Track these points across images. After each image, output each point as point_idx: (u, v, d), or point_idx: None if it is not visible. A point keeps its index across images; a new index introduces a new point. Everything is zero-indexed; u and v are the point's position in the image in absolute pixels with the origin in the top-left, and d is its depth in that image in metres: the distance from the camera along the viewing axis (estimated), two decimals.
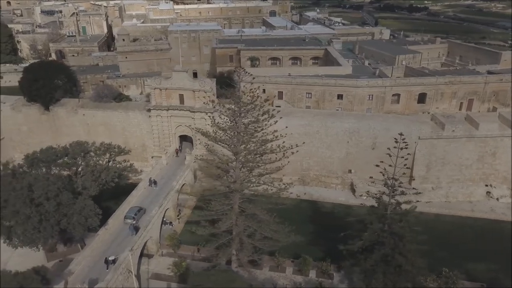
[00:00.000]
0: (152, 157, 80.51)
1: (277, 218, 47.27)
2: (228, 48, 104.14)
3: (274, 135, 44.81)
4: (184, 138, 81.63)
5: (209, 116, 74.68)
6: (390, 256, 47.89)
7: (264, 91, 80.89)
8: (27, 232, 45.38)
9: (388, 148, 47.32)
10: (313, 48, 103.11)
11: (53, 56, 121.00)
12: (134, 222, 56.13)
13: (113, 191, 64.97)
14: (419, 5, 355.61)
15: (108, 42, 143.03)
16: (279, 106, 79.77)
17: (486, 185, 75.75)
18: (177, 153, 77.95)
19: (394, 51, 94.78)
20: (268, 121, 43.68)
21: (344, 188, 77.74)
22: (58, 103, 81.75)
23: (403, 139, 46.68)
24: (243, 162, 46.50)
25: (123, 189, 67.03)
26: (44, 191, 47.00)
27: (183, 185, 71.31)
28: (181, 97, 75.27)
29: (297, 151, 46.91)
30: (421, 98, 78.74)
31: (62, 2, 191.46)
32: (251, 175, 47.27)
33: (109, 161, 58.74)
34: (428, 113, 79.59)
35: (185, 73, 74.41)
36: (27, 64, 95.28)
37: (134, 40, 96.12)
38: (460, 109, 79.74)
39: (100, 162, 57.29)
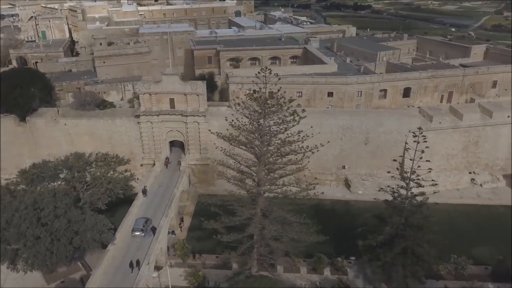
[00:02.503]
0: (141, 165, 77.35)
1: (306, 218, 46.85)
2: (206, 49, 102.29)
3: (299, 135, 44.36)
4: (171, 143, 79.28)
5: (203, 120, 73.53)
6: (410, 248, 49.18)
7: (254, 91, 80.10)
8: (39, 254, 41.82)
9: (406, 143, 48.41)
10: (292, 47, 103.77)
11: (14, 63, 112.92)
12: (143, 234, 53.79)
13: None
14: (363, 3, 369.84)
15: (71, 47, 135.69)
16: None
17: (470, 173, 79.90)
18: (166, 165, 74.01)
19: (375, 48, 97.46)
20: (296, 122, 43.18)
21: (338, 184, 78.90)
22: (35, 113, 76.37)
23: (421, 133, 47.78)
24: (266, 164, 45.72)
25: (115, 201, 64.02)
26: (52, 209, 43.66)
27: (182, 191, 69.27)
28: (172, 102, 72.96)
29: (318, 151, 46.75)
30: (406, 93, 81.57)
31: (9, 6, 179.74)
32: (274, 177, 46.58)
33: (112, 172, 55.57)
34: (413, 106, 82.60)
35: (176, 77, 72.29)
36: None
37: (109, 44, 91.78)
38: (441, 101, 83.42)
39: (106, 173, 53.99)
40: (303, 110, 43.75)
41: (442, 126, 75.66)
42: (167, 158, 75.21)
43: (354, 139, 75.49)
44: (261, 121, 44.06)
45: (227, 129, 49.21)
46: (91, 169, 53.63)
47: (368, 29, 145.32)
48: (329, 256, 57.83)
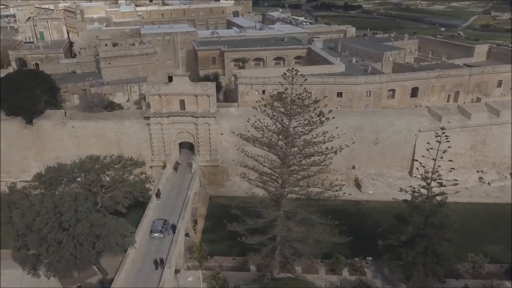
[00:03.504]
0: (150, 167, 76.55)
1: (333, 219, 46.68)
2: (210, 50, 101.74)
3: (324, 136, 44.20)
4: (179, 145, 78.59)
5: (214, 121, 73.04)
6: (431, 247, 49.37)
7: (263, 92, 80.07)
8: (62, 260, 41.00)
9: (428, 143, 48.67)
10: (296, 47, 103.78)
11: (13, 65, 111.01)
12: (162, 235, 53.43)
13: None
14: (353, 3, 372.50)
15: (69, 48, 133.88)
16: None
17: (478, 171, 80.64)
18: (176, 169, 72.98)
19: (380, 48, 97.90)
20: (323, 123, 43.00)
21: (348, 184, 78.78)
22: (42, 116, 75.16)
23: (444, 132, 47.94)
24: (290, 166, 45.49)
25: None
26: (74, 213, 42.88)
27: (194, 193, 68.69)
28: (182, 103, 72.37)
29: (340, 151, 46.64)
30: (414, 92, 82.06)
31: (2, 6, 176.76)
32: (297, 178, 46.39)
33: (127, 175, 54.79)
34: (420, 106, 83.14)
35: (186, 78, 71.63)
36: None
37: (113, 45, 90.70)
38: (448, 101, 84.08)
39: (124, 176, 53.22)
40: (330, 111, 43.48)
41: (451, 125, 76.19)
42: (176, 162, 74.37)
43: (364, 139, 75.64)
44: (286, 122, 43.79)
45: (248, 130, 48.89)
46: (109, 172, 52.72)
47: (368, 29, 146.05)
48: (346, 256, 57.82)
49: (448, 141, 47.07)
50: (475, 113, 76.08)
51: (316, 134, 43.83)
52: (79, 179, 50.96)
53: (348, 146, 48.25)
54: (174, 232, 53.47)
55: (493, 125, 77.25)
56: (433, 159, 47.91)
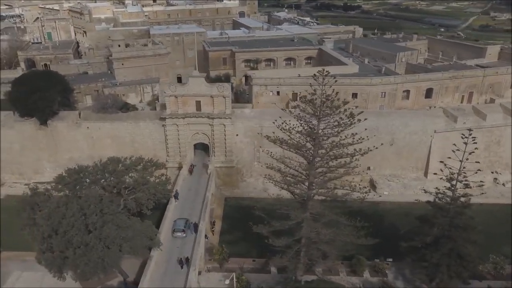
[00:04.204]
0: (166, 169, 76.21)
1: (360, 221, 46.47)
2: (221, 50, 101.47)
3: (353, 138, 44.03)
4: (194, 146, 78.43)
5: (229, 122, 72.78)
6: (456, 248, 49.26)
7: (278, 93, 79.87)
8: (90, 262, 40.74)
9: (454, 144, 48.61)
10: (307, 48, 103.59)
11: (22, 66, 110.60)
12: (185, 234, 53.49)
13: None
14: (352, 4, 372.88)
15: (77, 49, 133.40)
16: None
17: (492, 172, 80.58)
18: (191, 172, 72.48)
19: (393, 49, 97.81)
20: (353, 125, 42.84)
21: (363, 185, 78.54)
22: (56, 117, 74.86)
23: (470, 134, 47.85)
24: (317, 168, 45.33)
25: None
26: (100, 215, 42.62)
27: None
28: (198, 104, 72.13)
29: (367, 153, 46.56)
30: (428, 93, 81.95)
31: (6, 7, 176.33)
32: (324, 180, 46.24)
33: (150, 176, 54.55)
34: (434, 107, 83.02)
35: (202, 79, 71.39)
36: None
37: (126, 45, 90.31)
38: (461, 101, 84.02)
39: (147, 178, 52.96)
40: (361, 112, 43.31)
41: (466, 126, 76.06)
42: (191, 165, 73.95)
43: (380, 140, 75.32)
44: (315, 123, 43.62)
45: (273, 132, 48.70)
46: (131, 174, 52.42)
47: (376, 30, 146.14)
48: (365, 258, 57.68)
49: (475, 142, 46.92)
50: (490, 114, 76.04)
51: (345, 136, 43.64)
52: (102, 180, 50.60)
53: (376, 148, 48.17)
54: (196, 231, 53.43)
55: (507, 126, 77.21)
56: (460, 160, 47.74)
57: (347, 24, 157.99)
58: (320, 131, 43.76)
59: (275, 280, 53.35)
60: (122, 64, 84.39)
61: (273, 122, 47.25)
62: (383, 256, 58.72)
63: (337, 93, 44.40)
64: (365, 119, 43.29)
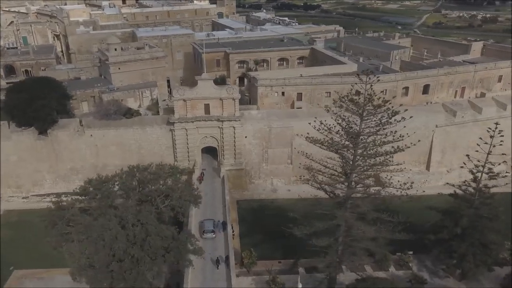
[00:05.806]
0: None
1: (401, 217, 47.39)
2: (215, 52, 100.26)
3: (393, 136, 44.85)
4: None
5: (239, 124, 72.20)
6: (482, 238, 51.36)
7: (283, 93, 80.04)
8: (139, 276, 39.15)
9: (480, 138, 50.65)
10: (299, 48, 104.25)
11: (1, 72, 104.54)
12: (214, 235, 53.03)
13: None
14: (312, 3, 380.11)
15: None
16: (301, 108, 79.77)
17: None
18: (200, 181, 70.68)
19: (387, 47, 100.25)
20: (395, 124, 43.65)
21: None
22: (56, 125, 71.51)
23: (496, 127, 49.92)
24: (356, 167, 45.87)
25: None
26: (141, 226, 41.21)
27: None
28: (207, 107, 71.19)
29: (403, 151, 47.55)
30: (425, 89, 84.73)
31: None
32: (362, 178, 46.90)
33: (177, 183, 53.09)
34: (431, 102, 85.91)
35: (211, 81, 70.45)
36: None
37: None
38: (455, 96, 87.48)
39: (177, 185, 51.50)
40: (405, 110, 44.19)
41: (464, 120, 79.63)
42: (202, 173, 72.56)
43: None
44: (356, 122, 44.14)
45: (307, 133, 48.83)
46: (162, 181, 50.82)
47: (356, 29, 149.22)
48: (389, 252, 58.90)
49: (502, 136, 49.09)
50: (486, 107, 79.82)
51: (385, 134, 44.41)
52: (136, 190, 48.70)
53: (414, 145, 49.18)
54: (225, 228, 53.22)
55: (501, 118, 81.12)
56: (487, 153, 49.81)
57: (307, 23, 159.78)
58: (362, 130, 44.29)
59: (311, 280, 53.54)
60: (119, 68, 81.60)
61: (309, 123, 47.25)
62: (401, 250, 60.15)
63: (381, 91, 44.87)
64: (411, 117, 44.15)
